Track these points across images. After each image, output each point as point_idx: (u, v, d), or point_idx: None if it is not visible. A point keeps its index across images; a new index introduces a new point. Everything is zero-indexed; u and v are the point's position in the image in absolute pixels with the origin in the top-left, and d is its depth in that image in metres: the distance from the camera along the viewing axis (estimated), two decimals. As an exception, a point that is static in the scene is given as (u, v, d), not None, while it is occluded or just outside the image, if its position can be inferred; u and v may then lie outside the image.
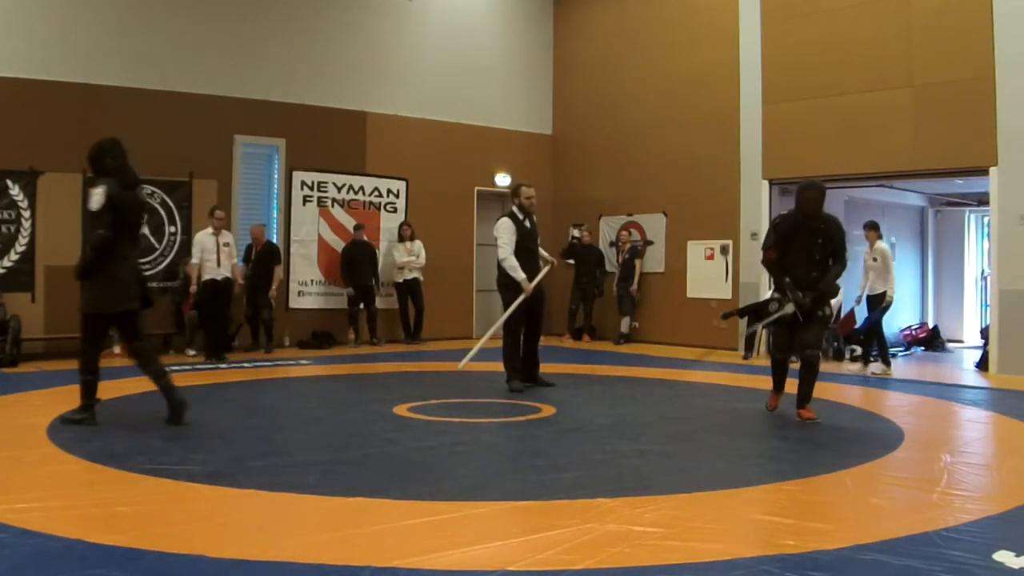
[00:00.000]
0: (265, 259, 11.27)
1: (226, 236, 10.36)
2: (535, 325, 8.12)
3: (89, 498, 4.13)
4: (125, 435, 5.75)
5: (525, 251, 7.97)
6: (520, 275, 7.77)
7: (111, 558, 3.28)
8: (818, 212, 6.52)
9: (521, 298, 7.75)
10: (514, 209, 8.14)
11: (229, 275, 10.27)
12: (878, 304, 9.69)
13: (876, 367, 9.91)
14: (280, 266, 11.53)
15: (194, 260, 10.28)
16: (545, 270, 8.11)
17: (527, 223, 8.10)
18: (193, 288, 10.22)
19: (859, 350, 11.18)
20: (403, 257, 12.62)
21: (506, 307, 7.94)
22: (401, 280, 12.65)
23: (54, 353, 10.26)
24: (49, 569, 3.19)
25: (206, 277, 10.12)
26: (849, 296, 12.30)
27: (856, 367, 9.86)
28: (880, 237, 9.82)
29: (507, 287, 7.94)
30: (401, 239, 12.73)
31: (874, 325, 9.77)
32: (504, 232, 7.91)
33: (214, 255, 10.15)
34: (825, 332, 6.56)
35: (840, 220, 6.85)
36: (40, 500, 4.06)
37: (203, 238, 10.26)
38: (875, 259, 9.67)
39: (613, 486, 4.48)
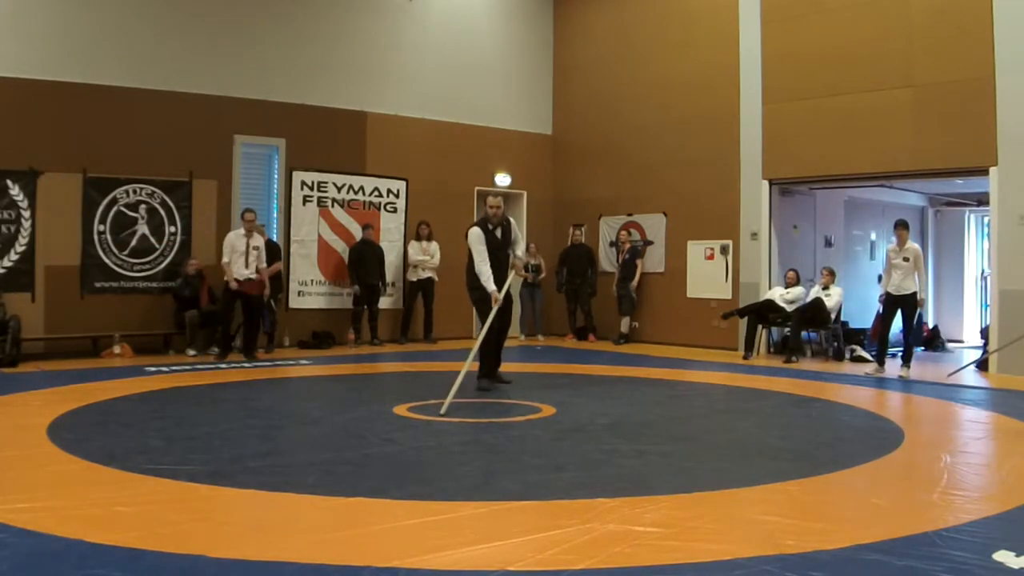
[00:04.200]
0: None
1: (257, 239, 10.38)
2: (503, 328, 8.36)
3: (89, 498, 4.13)
4: (125, 435, 5.75)
5: (492, 259, 8.11)
6: (491, 287, 7.91)
7: (111, 558, 3.28)
8: None
9: (494, 312, 7.89)
10: (484, 219, 8.31)
11: (253, 277, 10.30)
12: (905, 304, 9.55)
13: (870, 367, 9.92)
14: (279, 262, 11.54)
15: (224, 259, 10.27)
16: (510, 277, 8.28)
17: (496, 232, 8.24)
18: (233, 284, 10.18)
19: (859, 350, 11.21)
20: (417, 256, 12.65)
21: (475, 306, 8.32)
22: (415, 279, 12.68)
23: (54, 353, 10.28)
24: (49, 569, 3.19)
25: (233, 275, 10.17)
26: (855, 296, 12.37)
27: (903, 371, 9.55)
28: (908, 237, 9.66)
29: (475, 288, 8.15)
30: (418, 238, 12.76)
31: (916, 327, 9.64)
32: (475, 242, 8.09)
33: (243, 257, 10.20)
34: None
35: None
36: (40, 500, 4.06)
37: (234, 239, 10.27)
38: (906, 259, 9.51)
39: (613, 486, 4.47)
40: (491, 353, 8.20)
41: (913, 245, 9.60)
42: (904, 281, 9.50)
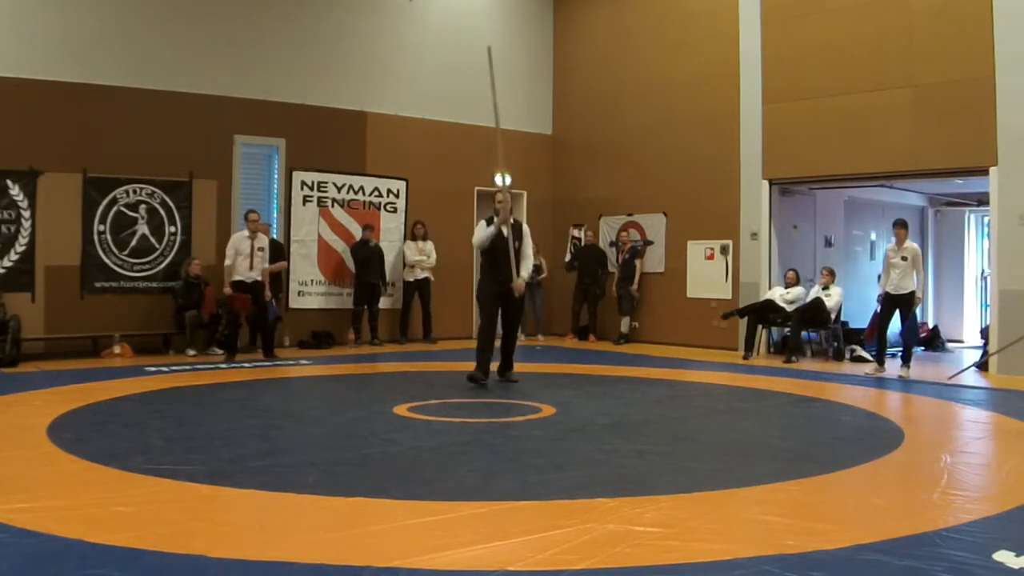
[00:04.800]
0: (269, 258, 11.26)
1: (261, 240, 10.35)
2: (510, 324, 8.61)
3: (89, 498, 4.13)
4: (125, 435, 5.75)
5: (495, 253, 8.41)
6: (487, 232, 8.38)
7: (111, 558, 3.28)
8: None
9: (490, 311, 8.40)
10: (493, 214, 8.62)
11: (259, 278, 10.29)
12: (903, 303, 9.60)
13: (870, 367, 9.92)
14: (283, 261, 11.55)
15: (227, 262, 10.18)
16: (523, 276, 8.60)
17: (503, 229, 8.45)
18: (227, 290, 10.12)
19: (859, 350, 11.21)
20: (414, 256, 12.65)
21: (483, 309, 8.64)
22: (412, 279, 12.68)
23: (54, 353, 10.27)
24: (49, 569, 3.18)
25: (236, 278, 10.13)
26: (855, 296, 12.36)
27: (903, 371, 9.60)
28: (907, 236, 9.71)
29: (480, 288, 8.73)
30: (414, 238, 12.77)
31: (913, 326, 9.72)
32: (476, 231, 8.72)
33: (248, 259, 10.17)
34: None
35: None
36: (40, 500, 4.06)
37: (238, 241, 10.23)
38: (904, 258, 9.54)
39: (613, 486, 4.47)
40: (487, 349, 8.33)
41: (911, 244, 9.63)
42: (902, 280, 9.52)
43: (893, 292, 9.58)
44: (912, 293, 9.50)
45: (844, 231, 13.42)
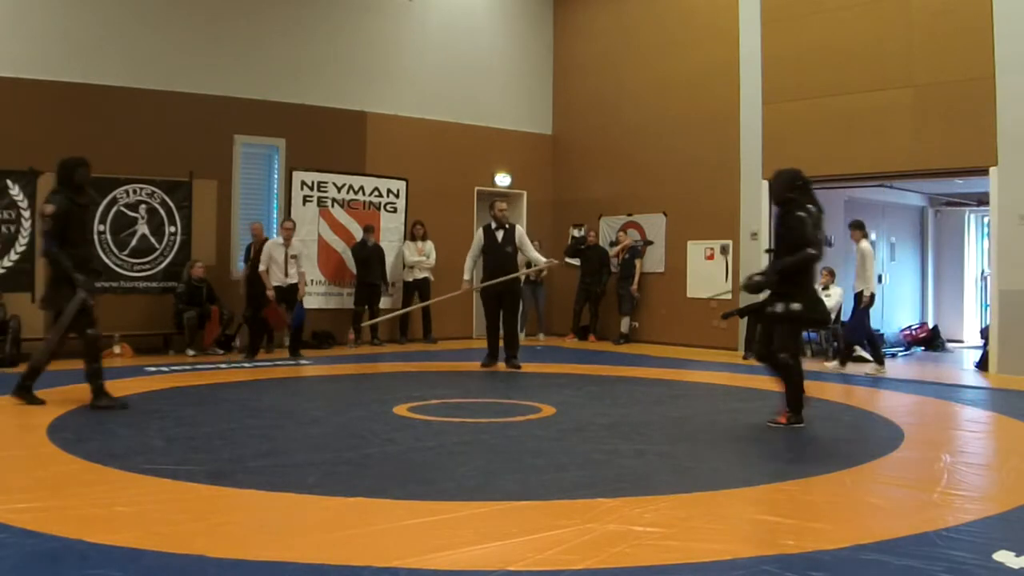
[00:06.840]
0: None
1: (295, 247, 10.82)
2: (509, 316, 9.67)
3: (89, 498, 4.12)
4: (125, 435, 5.75)
5: (491, 257, 9.57)
6: (464, 277, 9.77)
7: (111, 558, 3.28)
8: (778, 201, 6.20)
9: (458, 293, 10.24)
10: (490, 221, 9.73)
11: (295, 282, 10.75)
12: (854, 301, 9.86)
13: (870, 367, 9.93)
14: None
15: (261, 267, 10.58)
16: (529, 271, 10.00)
17: (499, 233, 9.58)
18: (270, 293, 10.52)
19: (858, 350, 11.20)
20: (413, 256, 12.66)
21: (485, 306, 9.94)
22: (411, 279, 12.68)
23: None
24: (49, 569, 3.19)
25: (273, 283, 10.57)
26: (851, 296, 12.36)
27: (832, 365, 10.04)
28: (865, 236, 9.97)
29: (482, 295, 9.87)
30: (413, 238, 12.78)
31: (857, 324, 9.95)
32: (474, 243, 9.85)
33: (283, 266, 10.64)
34: (781, 332, 6.10)
35: (806, 207, 6.00)
36: (40, 500, 4.06)
37: (272, 248, 10.67)
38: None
39: (613, 486, 4.47)
40: (504, 338, 9.58)
41: (861, 244, 9.94)
42: (856, 280, 9.88)
43: (855, 291, 9.92)
44: (859, 292, 9.74)
45: (844, 231, 13.38)
